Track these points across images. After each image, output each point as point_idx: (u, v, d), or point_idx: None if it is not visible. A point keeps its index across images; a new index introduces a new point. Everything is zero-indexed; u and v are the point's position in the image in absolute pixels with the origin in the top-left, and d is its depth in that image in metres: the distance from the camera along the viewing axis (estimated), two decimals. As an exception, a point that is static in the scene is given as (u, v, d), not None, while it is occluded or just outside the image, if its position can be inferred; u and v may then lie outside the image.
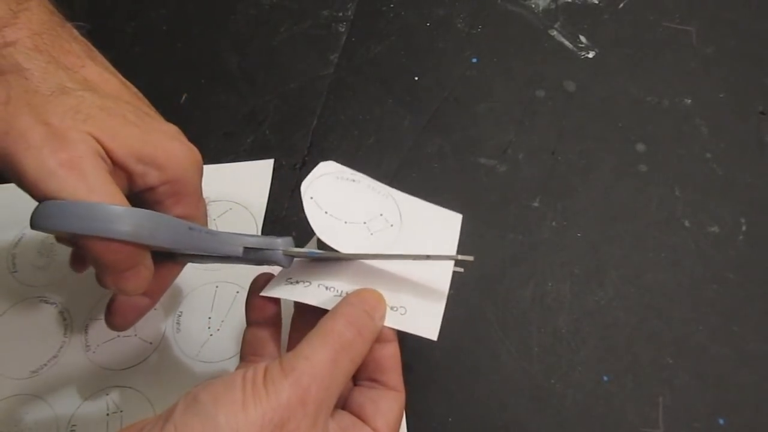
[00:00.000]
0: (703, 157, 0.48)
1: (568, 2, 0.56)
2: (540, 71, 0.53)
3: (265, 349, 0.33)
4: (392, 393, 0.30)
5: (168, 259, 0.34)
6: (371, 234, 0.34)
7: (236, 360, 0.42)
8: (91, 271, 0.33)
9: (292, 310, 0.35)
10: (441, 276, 0.33)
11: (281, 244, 0.32)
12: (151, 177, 0.31)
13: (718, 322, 0.42)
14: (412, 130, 0.51)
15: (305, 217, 0.32)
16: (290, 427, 0.24)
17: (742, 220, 0.45)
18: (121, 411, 0.41)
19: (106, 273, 0.30)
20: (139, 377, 0.42)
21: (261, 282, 0.34)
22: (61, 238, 0.35)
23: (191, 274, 0.43)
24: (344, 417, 0.29)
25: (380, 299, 0.31)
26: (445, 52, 0.54)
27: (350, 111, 0.52)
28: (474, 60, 0.54)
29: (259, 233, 0.46)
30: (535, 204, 0.47)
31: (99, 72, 0.32)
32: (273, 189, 0.48)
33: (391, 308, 0.31)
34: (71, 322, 0.44)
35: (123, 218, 0.28)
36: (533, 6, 0.56)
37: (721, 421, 0.39)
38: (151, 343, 0.43)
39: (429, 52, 0.54)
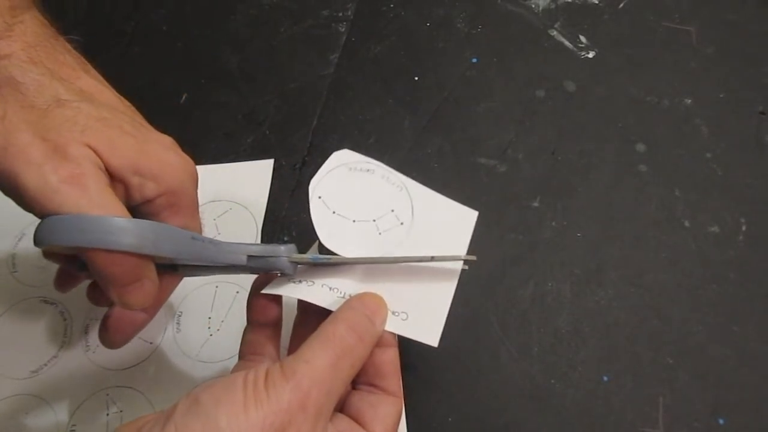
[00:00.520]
0: (703, 157, 0.48)
1: (568, 2, 0.56)
2: (540, 71, 0.53)
3: (264, 350, 0.33)
4: (391, 398, 0.30)
5: (168, 272, 0.34)
6: (379, 233, 0.33)
7: (236, 360, 0.42)
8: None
9: (294, 312, 0.35)
10: (447, 281, 0.32)
11: (284, 251, 0.32)
12: (148, 189, 0.31)
13: (718, 322, 0.42)
14: (412, 130, 0.51)
15: (307, 218, 0.32)
16: (290, 430, 0.24)
17: (742, 220, 0.46)
18: (121, 411, 0.41)
19: (111, 286, 0.30)
20: (139, 377, 0.42)
21: (263, 281, 0.34)
22: (50, 255, 0.34)
23: (191, 274, 0.43)
24: (342, 421, 0.29)
25: (381, 304, 0.31)
26: (445, 52, 0.54)
27: (350, 111, 0.52)
28: (474, 60, 0.54)
29: (259, 233, 0.46)
30: (535, 204, 0.47)
31: (94, 84, 0.32)
32: (273, 189, 0.48)
33: (393, 313, 0.31)
34: (71, 322, 0.44)
35: (126, 230, 0.28)
36: (533, 6, 0.56)
37: (721, 421, 0.39)
38: (151, 343, 0.43)
39: (429, 52, 0.54)
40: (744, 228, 0.45)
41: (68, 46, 0.33)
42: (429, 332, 0.31)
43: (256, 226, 0.47)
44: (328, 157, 0.34)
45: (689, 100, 0.50)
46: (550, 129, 0.50)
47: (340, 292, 0.31)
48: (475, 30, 0.55)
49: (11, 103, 0.29)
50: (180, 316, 0.44)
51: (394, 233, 0.34)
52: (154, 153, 0.32)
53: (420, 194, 0.35)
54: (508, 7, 0.56)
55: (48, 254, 0.34)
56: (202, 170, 0.48)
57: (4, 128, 0.28)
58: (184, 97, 0.54)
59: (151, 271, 0.31)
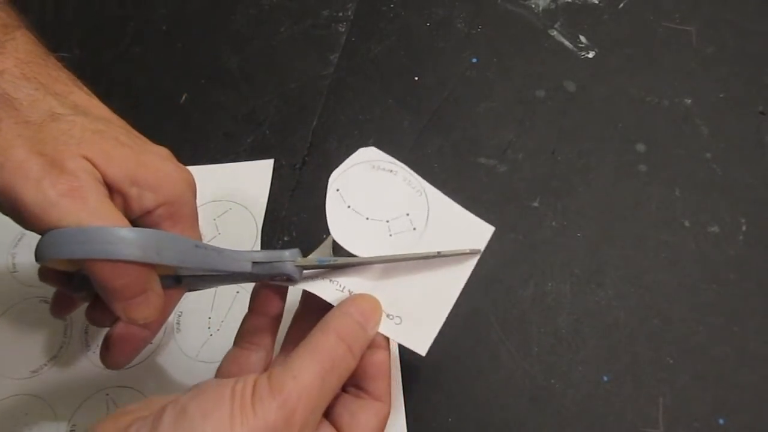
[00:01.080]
0: (703, 157, 0.48)
1: (568, 2, 0.56)
2: (540, 71, 0.53)
3: (261, 340, 0.33)
4: (375, 404, 0.30)
5: (171, 286, 0.34)
6: (390, 235, 0.33)
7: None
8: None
9: (295, 306, 0.35)
10: (449, 292, 0.32)
11: (289, 256, 0.32)
12: (147, 200, 0.31)
13: (718, 322, 0.42)
14: (412, 130, 0.51)
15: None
16: None
17: (742, 220, 0.46)
18: (121, 411, 0.41)
19: (115, 300, 0.29)
20: (139, 377, 0.42)
21: None
22: (47, 276, 0.34)
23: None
24: (325, 428, 0.29)
25: (376, 308, 0.31)
26: (445, 52, 0.54)
27: (350, 111, 0.52)
28: (474, 60, 0.54)
29: (259, 233, 0.46)
30: (535, 204, 0.47)
31: (87, 98, 0.32)
32: (273, 189, 0.48)
33: (387, 315, 0.31)
34: (71, 322, 0.44)
35: (129, 239, 0.28)
36: (533, 6, 0.56)
37: (721, 421, 0.39)
38: (151, 343, 0.43)
39: (429, 52, 0.54)
40: (744, 228, 0.45)
41: (59, 63, 0.33)
42: (419, 340, 0.31)
43: (256, 226, 0.47)
44: (355, 152, 0.35)
45: (689, 100, 0.50)
46: (550, 129, 0.50)
47: (340, 286, 0.32)
48: (475, 30, 0.55)
49: (5, 120, 0.29)
50: (180, 316, 0.44)
51: (405, 237, 0.33)
52: (151, 164, 0.31)
53: (439, 201, 0.35)
54: (508, 7, 0.56)
55: (45, 276, 0.34)
56: (203, 170, 0.49)
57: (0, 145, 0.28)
58: (184, 97, 0.54)
59: (156, 282, 0.31)
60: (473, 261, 0.33)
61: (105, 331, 0.35)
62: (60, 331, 0.44)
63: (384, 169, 0.34)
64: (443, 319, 0.31)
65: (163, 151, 0.33)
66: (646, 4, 0.55)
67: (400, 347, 0.40)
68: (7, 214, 0.29)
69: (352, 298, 0.31)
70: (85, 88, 0.33)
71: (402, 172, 0.35)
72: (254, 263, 0.32)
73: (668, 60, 0.52)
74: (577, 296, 0.43)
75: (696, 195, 0.47)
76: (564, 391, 0.40)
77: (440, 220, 0.34)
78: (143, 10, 0.58)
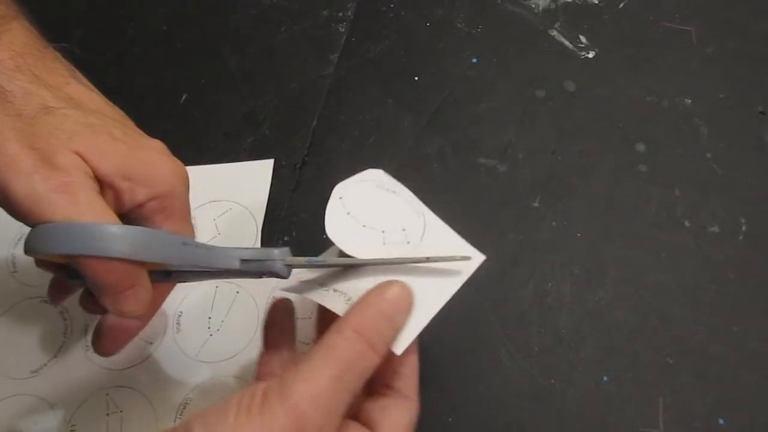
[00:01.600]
0: (703, 157, 0.48)
1: (568, 2, 0.56)
2: (540, 71, 0.53)
3: (281, 372, 0.33)
4: (406, 402, 0.29)
5: (161, 279, 0.34)
6: (384, 243, 0.33)
7: (236, 360, 0.42)
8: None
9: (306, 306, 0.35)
10: (435, 299, 0.31)
11: (278, 254, 0.32)
12: (138, 193, 0.31)
13: (718, 322, 0.42)
14: (412, 130, 0.51)
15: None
16: None
17: (742, 220, 0.45)
18: (121, 411, 0.41)
19: (104, 294, 0.30)
20: (139, 377, 0.42)
21: (275, 316, 0.34)
22: (42, 263, 0.34)
23: (191, 274, 0.43)
24: (350, 427, 0.28)
25: (404, 295, 0.28)
26: (445, 52, 0.54)
27: (350, 111, 0.52)
28: (474, 60, 0.54)
29: (259, 233, 0.46)
30: (535, 204, 0.47)
31: (83, 90, 0.32)
32: (273, 189, 0.48)
33: None
34: (71, 322, 0.44)
35: (118, 236, 0.28)
36: (533, 6, 0.56)
37: (721, 421, 0.39)
38: (151, 343, 0.43)
39: (429, 52, 0.54)
40: (744, 228, 0.45)
41: (57, 53, 0.33)
42: (398, 340, 0.31)
43: (256, 226, 0.47)
44: (363, 171, 0.35)
45: (689, 100, 0.50)
46: (550, 129, 0.50)
47: (335, 289, 0.31)
48: (475, 30, 0.55)
49: None
50: (180, 316, 0.44)
51: (398, 248, 0.33)
52: (143, 157, 0.31)
53: (435, 226, 0.35)
54: (508, 7, 0.56)
55: (40, 263, 0.34)
56: (202, 170, 0.49)
57: None
58: (184, 97, 0.54)
59: (144, 278, 0.31)
60: (464, 276, 0.32)
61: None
62: (60, 331, 0.44)
63: (387, 190, 0.35)
64: (424, 325, 0.30)
65: (156, 145, 0.33)
66: (646, 4, 0.55)
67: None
68: (0, 207, 0.29)
69: (377, 289, 0.28)
70: (83, 79, 0.33)
71: (405, 194, 0.35)
72: (243, 261, 0.32)
73: (668, 60, 0.52)
74: (577, 296, 0.43)
75: (696, 195, 0.47)
76: (564, 391, 0.40)
77: (434, 242, 0.34)
78: (143, 10, 0.58)
